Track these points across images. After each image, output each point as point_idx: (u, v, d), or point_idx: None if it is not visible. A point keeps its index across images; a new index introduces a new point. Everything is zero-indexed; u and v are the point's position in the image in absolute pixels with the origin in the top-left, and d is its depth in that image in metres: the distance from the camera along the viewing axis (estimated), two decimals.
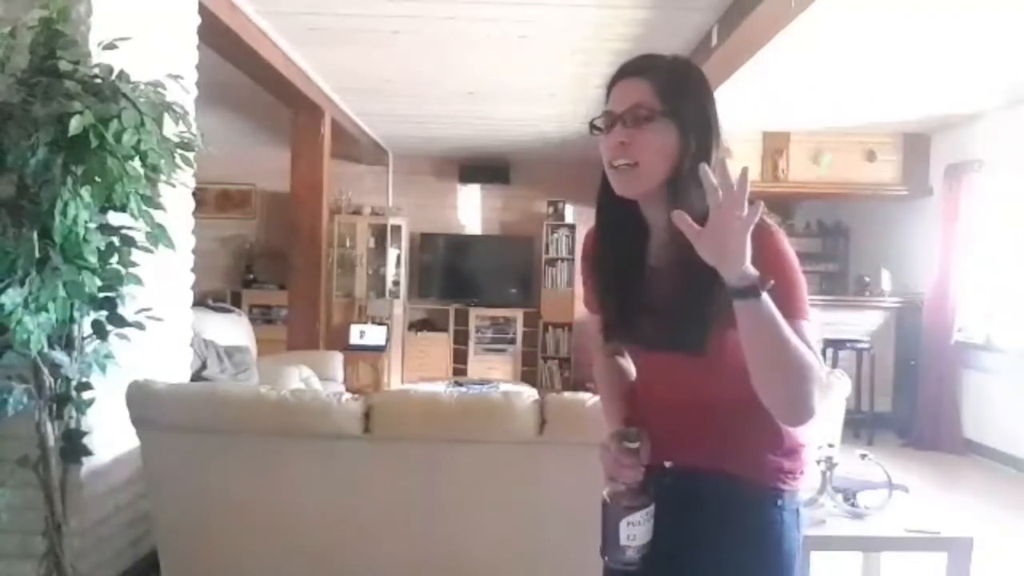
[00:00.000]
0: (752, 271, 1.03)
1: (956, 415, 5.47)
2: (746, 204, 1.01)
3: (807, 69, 4.44)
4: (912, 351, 5.96)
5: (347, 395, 2.29)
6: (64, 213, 1.95)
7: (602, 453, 1.25)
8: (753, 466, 1.21)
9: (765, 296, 1.03)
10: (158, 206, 2.21)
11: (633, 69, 1.21)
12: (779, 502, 1.22)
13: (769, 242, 1.13)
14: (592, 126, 1.24)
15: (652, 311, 1.20)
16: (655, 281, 1.21)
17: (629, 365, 1.41)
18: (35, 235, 1.97)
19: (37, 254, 1.96)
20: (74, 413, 2.22)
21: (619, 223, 1.26)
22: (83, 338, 2.21)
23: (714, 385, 1.22)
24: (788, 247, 1.17)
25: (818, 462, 2.26)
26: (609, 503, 1.21)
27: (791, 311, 1.10)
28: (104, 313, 2.20)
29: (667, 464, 1.25)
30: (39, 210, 1.96)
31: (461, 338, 7.67)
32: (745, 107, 5.30)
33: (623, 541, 1.19)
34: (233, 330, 4.22)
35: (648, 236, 1.25)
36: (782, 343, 1.05)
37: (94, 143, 1.95)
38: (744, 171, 1.01)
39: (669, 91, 1.17)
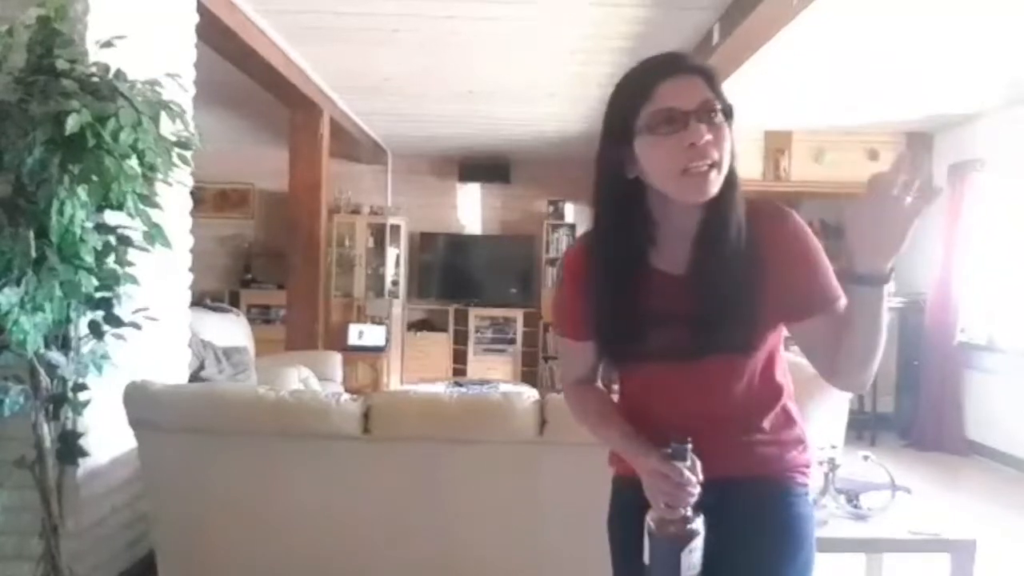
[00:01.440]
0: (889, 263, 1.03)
1: (959, 416, 5.46)
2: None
3: (809, 68, 4.43)
4: (914, 352, 5.94)
5: (346, 395, 2.28)
6: (61, 212, 1.94)
7: (651, 481, 1.12)
8: (779, 464, 1.21)
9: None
10: (155, 205, 2.19)
11: (683, 66, 1.13)
12: (804, 493, 1.23)
13: (801, 227, 1.17)
14: (647, 126, 1.10)
15: (679, 319, 1.13)
16: (669, 288, 1.15)
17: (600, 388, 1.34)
18: (31, 234, 1.96)
19: (34, 253, 1.95)
20: (70, 414, 2.21)
21: (631, 234, 1.17)
22: (80, 338, 2.20)
23: (749, 384, 1.20)
24: (807, 227, 1.19)
25: (821, 463, 2.25)
26: (657, 534, 1.10)
27: (838, 292, 1.14)
28: (101, 313, 2.19)
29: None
30: (36, 209, 1.95)
31: (461, 338, 7.65)
32: (747, 106, 5.28)
33: (684, 572, 1.09)
34: (231, 330, 4.20)
35: (654, 242, 1.18)
36: (883, 328, 1.07)
37: (91, 142, 1.94)
38: (909, 156, 1.00)
39: (719, 91, 1.13)
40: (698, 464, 1.11)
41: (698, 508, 1.11)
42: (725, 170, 1.11)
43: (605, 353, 1.26)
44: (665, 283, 1.17)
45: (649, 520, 1.12)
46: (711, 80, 1.12)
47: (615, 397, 1.33)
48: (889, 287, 1.06)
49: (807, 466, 1.25)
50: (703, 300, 1.13)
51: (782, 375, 1.25)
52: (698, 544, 1.10)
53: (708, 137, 1.08)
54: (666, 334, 1.15)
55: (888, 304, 1.07)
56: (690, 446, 1.11)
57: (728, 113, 1.12)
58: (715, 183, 1.10)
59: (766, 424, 1.22)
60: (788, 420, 1.24)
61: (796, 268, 1.14)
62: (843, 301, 1.12)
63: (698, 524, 1.11)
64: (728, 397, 1.20)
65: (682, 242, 1.16)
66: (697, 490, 1.10)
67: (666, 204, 1.15)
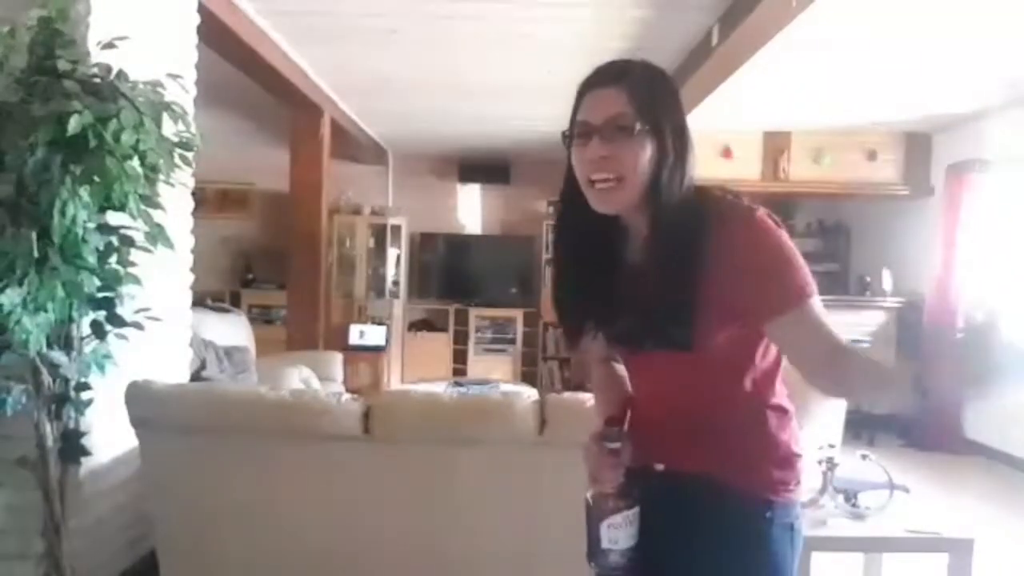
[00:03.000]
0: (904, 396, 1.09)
1: (957, 415, 5.46)
2: None
3: (808, 68, 4.44)
4: (913, 351, 5.95)
5: (347, 395, 2.28)
6: (63, 213, 1.95)
7: (585, 453, 1.23)
8: (743, 474, 1.18)
9: None
10: (157, 206, 2.20)
11: (607, 78, 1.16)
12: (768, 514, 1.18)
13: (759, 234, 1.12)
14: (564, 136, 1.19)
15: (633, 309, 1.18)
16: (636, 280, 1.19)
17: (623, 371, 1.37)
18: (34, 235, 1.96)
19: (36, 254, 1.96)
20: (73, 413, 2.21)
21: (588, 224, 1.21)
22: (82, 338, 2.20)
23: (704, 384, 1.20)
24: (771, 227, 1.13)
25: (819, 462, 2.26)
26: (591, 504, 1.19)
27: (797, 294, 1.10)
28: (103, 313, 2.20)
29: (658, 467, 1.23)
30: (38, 210, 1.96)
31: (461, 338, 7.66)
32: (746, 107, 5.29)
33: (604, 544, 1.17)
34: (232, 330, 4.21)
35: (624, 237, 1.22)
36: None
37: (93, 143, 1.95)
38: None
39: (646, 101, 1.13)
40: (627, 449, 1.20)
41: (630, 488, 1.18)
42: (635, 183, 1.13)
43: (574, 332, 1.29)
44: (631, 274, 1.21)
45: (587, 493, 1.21)
46: (635, 91, 1.13)
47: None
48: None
49: (785, 484, 1.20)
50: (644, 294, 1.16)
51: (756, 384, 1.20)
52: (621, 521, 1.17)
53: (602, 153, 1.12)
54: (624, 322, 1.20)
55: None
56: (621, 429, 1.23)
57: (647, 125, 1.12)
58: (616, 196, 1.14)
59: (737, 430, 1.20)
60: (765, 431, 1.20)
61: (745, 275, 1.11)
62: (796, 312, 1.10)
63: (625, 503, 1.17)
64: (682, 391, 1.22)
65: (640, 239, 1.20)
66: (618, 470, 1.18)
67: (622, 211, 1.19)
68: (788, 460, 1.22)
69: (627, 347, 1.26)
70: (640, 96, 1.13)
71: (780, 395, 1.24)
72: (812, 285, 1.12)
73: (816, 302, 1.11)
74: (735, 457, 1.19)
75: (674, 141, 1.14)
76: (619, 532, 1.17)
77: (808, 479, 2.27)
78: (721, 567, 1.19)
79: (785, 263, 1.11)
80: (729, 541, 1.18)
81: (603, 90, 1.15)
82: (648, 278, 1.15)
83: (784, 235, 1.14)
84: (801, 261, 1.13)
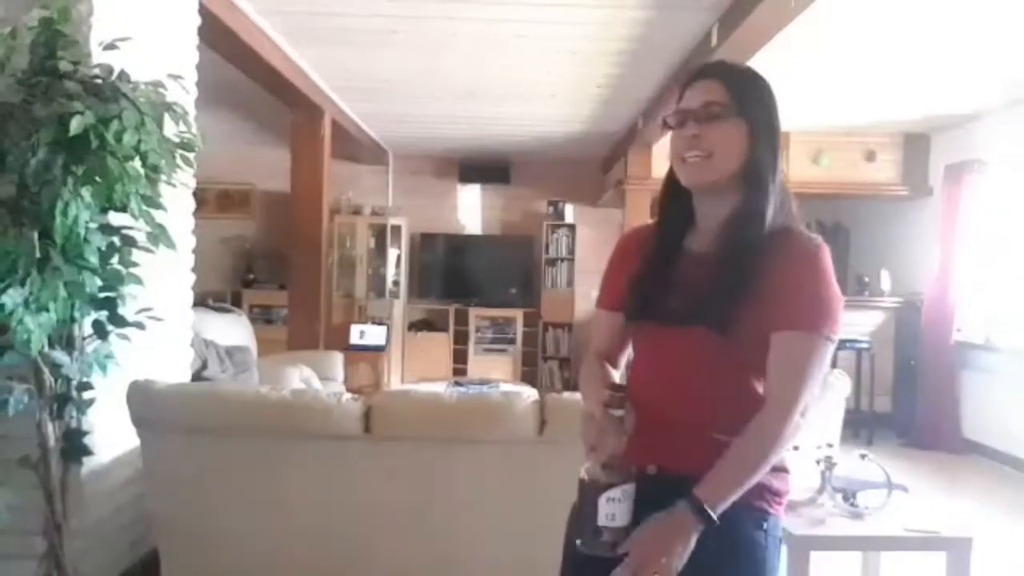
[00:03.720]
0: (704, 512, 1.12)
1: (955, 415, 5.47)
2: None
3: (807, 69, 4.44)
4: (912, 351, 5.96)
5: (347, 395, 2.29)
6: (65, 213, 1.95)
7: (584, 424, 1.24)
8: None
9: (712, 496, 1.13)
10: (158, 206, 2.21)
11: (707, 71, 1.28)
12: (764, 525, 1.21)
13: (817, 256, 1.21)
14: (664, 122, 1.31)
15: (682, 287, 1.24)
16: (694, 265, 1.26)
17: (615, 372, 1.39)
18: (36, 235, 1.97)
19: (38, 254, 1.96)
20: (74, 413, 2.22)
21: (672, 216, 1.33)
22: (84, 338, 2.21)
23: (723, 380, 1.22)
24: (829, 263, 1.22)
25: (818, 462, 2.27)
26: (587, 480, 1.15)
27: (809, 321, 1.18)
28: (105, 313, 2.20)
29: (650, 469, 1.22)
30: (40, 210, 1.96)
31: (461, 338, 7.66)
32: None
33: (601, 521, 1.13)
34: (233, 330, 4.22)
35: (693, 226, 1.31)
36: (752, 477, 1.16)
37: (94, 143, 1.95)
38: None
39: (740, 91, 1.25)
40: (630, 417, 1.19)
41: (628, 463, 1.17)
42: (723, 161, 1.23)
43: (624, 307, 1.33)
44: (694, 262, 1.27)
45: (581, 469, 1.18)
46: (729, 82, 1.25)
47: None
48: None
49: (779, 496, 1.24)
50: (709, 271, 1.22)
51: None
52: (619, 495, 1.13)
53: (694, 132, 1.23)
54: (669, 299, 1.25)
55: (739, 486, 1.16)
56: (622, 396, 1.19)
57: (738, 112, 1.23)
58: (705, 170, 1.24)
59: (730, 431, 1.19)
60: None
61: (790, 283, 1.18)
62: (803, 336, 1.17)
63: (623, 476, 1.15)
64: (697, 378, 1.24)
65: (714, 228, 1.28)
66: (620, 438, 1.17)
67: (700, 194, 1.29)
68: (783, 471, 1.25)
69: (661, 321, 1.26)
70: (733, 86, 1.25)
71: None
72: (832, 325, 1.19)
73: (823, 343, 1.18)
74: None
75: (764, 130, 1.25)
76: (617, 507, 1.13)
77: (807, 479, 2.29)
78: (713, 569, 1.17)
79: (821, 293, 1.20)
80: (726, 549, 1.17)
81: (702, 81, 1.27)
82: (711, 263, 1.23)
83: (834, 277, 1.22)
84: (838, 304, 1.21)
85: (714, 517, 1.12)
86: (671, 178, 1.32)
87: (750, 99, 1.25)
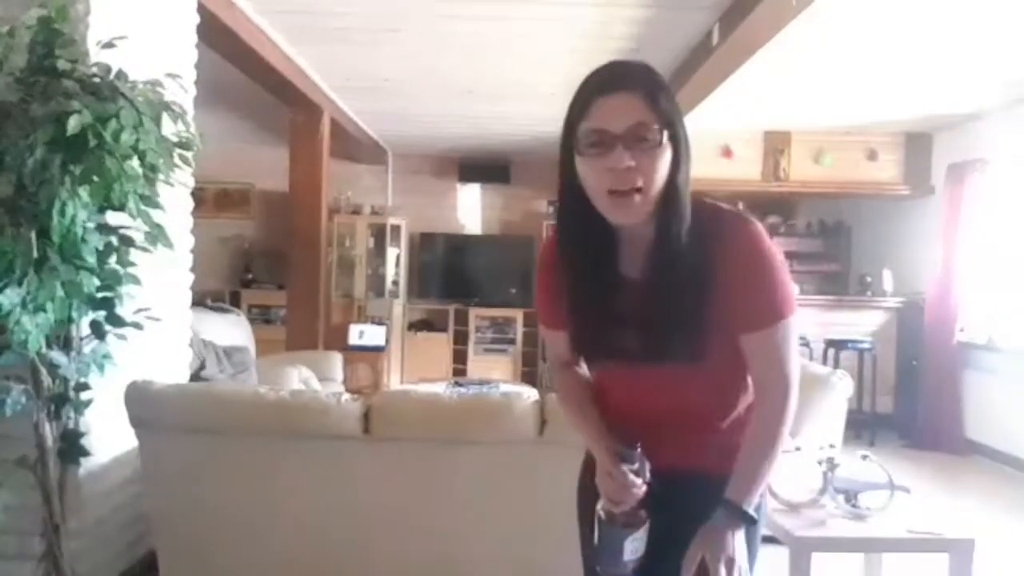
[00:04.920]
0: (743, 513, 1.14)
1: (958, 415, 5.46)
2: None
3: (808, 68, 4.43)
4: (914, 351, 5.95)
5: (346, 395, 2.29)
6: (62, 213, 1.95)
7: (601, 478, 1.21)
8: (730, 468, 1.20)
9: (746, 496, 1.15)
10: (156, 205, 2.20)
11: (619, 83, 1.11)
12: (755, 512, 1.22)
13: (755, 243, 1.15)
14: (566, 143, 1.14)
15: (635, 324, 1.16)
16: (631, 293, 1.18)
17: (586, 372, 1.36)
18: (33, 235, 1.96)
19: (35, 254, 1.96)
20: (72, 413, 2.21)
21: (589, 235, 1.18)
22: (81, 338, 2.20)
23: (701, 391, 1.22)
24: (765, 241, 1.15)
25: (819, 463, 2.26)
26: (608, 522, 1.20)
27: (772, 314, 1.15)
28: (102, 313, 2.19)
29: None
30: (37, 210, 1.96)
31: (461, 338, 7.65)
32: (746, 106, 5.29)
33: (627, 556, 1.19)
34: (232, 330, 4.21)
35: (616, 244, 1.19)
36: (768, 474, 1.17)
37: (92, 142, 1.95)
38: None
39: (664, 109, 1.10)
40: (647, 466, 1.20)
41: (645, 500, 1.19)
42: (653, 193, 1.10)
43: (574, 348, 1.28)
44: (628, 288, 1.19)
45: (599, 508, 1.21)
46: (652, 97, 1.09)
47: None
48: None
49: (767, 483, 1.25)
50: (652, 308, 1.15)
51: (749, 386, 1.24)
52: (641, 535, 1.20)
53: (630, 163, 1.07)
54: (624, 337, 1.18)
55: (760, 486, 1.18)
56: (639, 451, 1.19)
57: (671, 132, 1.10)
58: (639, 207, 1.10)
59: (724, 425, 1.24)
60: (744, 430, 1.23)
61: (738, 285, 1.13)
62: (767, 332, 1.15)
63: (643, 515, 1.19)
64: (683, 401, 1.22)
65: (641, 249, 1.17)
66: (642, 490, 1.18)
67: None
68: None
69: (624, 361, 1.20)
70: (658, 103, 1.09)
71: None
72: (792, 303, 1.16)
73: (791, 322, 1.16)
74: (728, 454, 1.21)
75: (686, 150, 1.13)
76: (639, 543, 1.20)
77: (809, 480, 2.28)
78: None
79: (771, 281, 1.15)
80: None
81: (619, 96, 1.09)
82: (652, 290, 1.15)
83: (775, 248, 1.16)
84: (786, 277, 1.17)
85: (754, 515, 1.16)
86: (576, 202, 1.15)
87: (674, 117, 1.11)
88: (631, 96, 1.09)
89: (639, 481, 1.18)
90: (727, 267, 1.13)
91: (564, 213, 1.20)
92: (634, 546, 1.19)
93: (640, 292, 1.17)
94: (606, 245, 1.19)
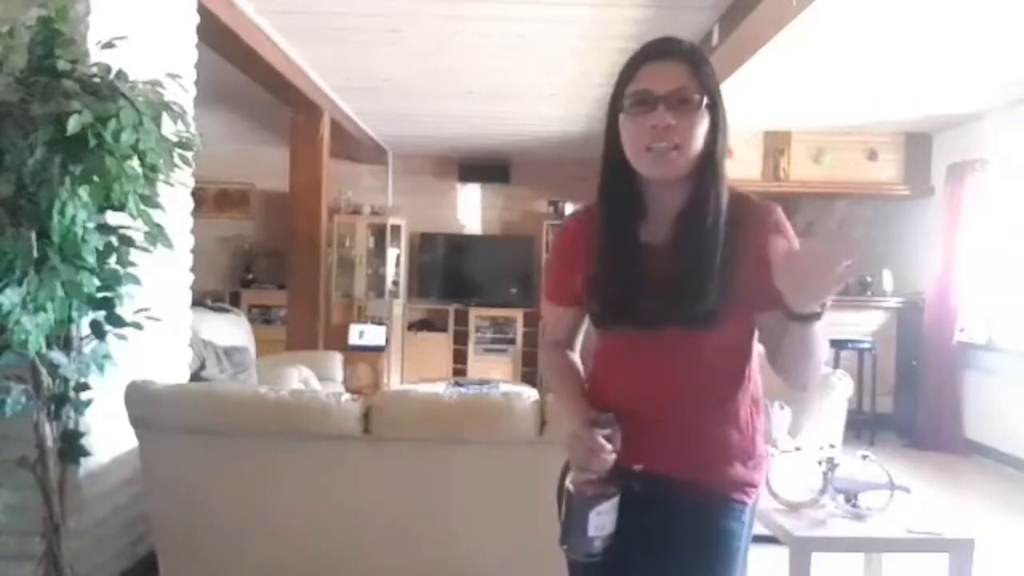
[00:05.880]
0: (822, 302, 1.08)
1: (958, 415, 5.46)
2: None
3: (808, 68, 4.44)
4: (914, 351, 5.95)
5: (347, 395, 2.28)
6: (62, 213, 1.94)
7: (571, 442, 1.23)
8: (726, 478, 1.22)
9: None
10: (156, 205, 2.20)
11: (669, 50, 1.19)
12: (743, 516, 1.23)
13: (783, 223, 1.21)
14: (614, 104, 1.21)
15: (655, 287, 1.19)
16: (651, 259, 1.21)
17: (578, 362, 1.38)
18: (33, 235, 1.96)
19: (35, 254, 1.95)
20: (72, 413, 2.21)
21: (624, 206, 1.24)
22: (81, 338, 2.20)
23: (707, 367, 1.22)
24: (789, 227, 1.22)
25: (819, 463, 2.26)
26: (575, 494, 1.19)
27: None
28: (102, 313, 2.19)
29: (636, 467, 1.23)
30: (37, 210, 1.95)
31: (461, 338, 7.65)
32: (746, 106, 5.29)
33: (591, 532, 1.17)
34: (232, 330, 4.21)
35: (644, 216, 1.24)
36: (820, 347, 1.13)
37: (92, 142, 1.94)
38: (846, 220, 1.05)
39: (705, 77, 1.18)
40: (617, 435, 1.19)
41: (614, 475, 1.18)
42: (691, 153, 1.17)
43: (593, 314, 1.29)
44: (649, 254, 1.22)
45: (568, 481, 1.21)
46: (696, 66, 1.18)
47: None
48: (821, 322, 1.12)
49: (752, 485, 1.24)
50: (673, 268, 1.18)
51: (753, 375, 1.26)
52: (607, 508, 1.17)
53: (671, 122, 1.14)
54: (644, 299, 1.21)
55: (821, 332, 1.13)
56: (609, 416, 1.20)
57: (711, 100, 1.17)
58: (675, 163, 1.16)
59: (716, 425, 1.23)
60: (744, 429, 1.24)
61: (764, 261, 1.13)
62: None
63: (611, 490, 1.18)
64: (682, 376, 1.22)
65: (667, 217, 1.22)
66: (611, 458, 1.18)
67: (651, 182, 1.21)
68: (761, 462, 1.26)
69: (638, 326, 1.22)
70: (700, 71, 1.18)
71: (759, 387, 1.29)
72: None
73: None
74: (720, 462, 1.21)
75: (723, 120, 1.20)
76: (605, 519, 1.18)
77: (809, 479, 2.28)
78: (695, 566, 1.21)
79: None
80: (705, 542, 1.21)
81: (665, 62, 1.18)
82: (677, 252, 1.19)
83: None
84: None
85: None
86: (615, 164, 1.22)
87: (714, 86, 1.19)
88: (676, 63, 1.18)
89: (608, 447, 1.17)
90: (758, 243, 1.13)
91: (606, 174, 1.25)
92: (599, 521, 1.17)
93: (662, 256, 1.20)
94: (637, 212, 1.24)
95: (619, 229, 1.23)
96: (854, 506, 2.19)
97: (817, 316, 1.09)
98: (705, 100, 1.17)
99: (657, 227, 1.22)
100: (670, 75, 1.16)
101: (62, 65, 2.04)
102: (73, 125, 1.89)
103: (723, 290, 1.15)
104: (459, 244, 7.89)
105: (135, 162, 2.08)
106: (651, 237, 1.23)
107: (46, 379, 2.12)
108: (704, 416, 1.23)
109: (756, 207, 1.22)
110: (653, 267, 1.20)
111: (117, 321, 2.21)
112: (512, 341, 7.66)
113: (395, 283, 7.64)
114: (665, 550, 1.21)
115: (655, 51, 1.19)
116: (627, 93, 1.19)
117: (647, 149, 1.16)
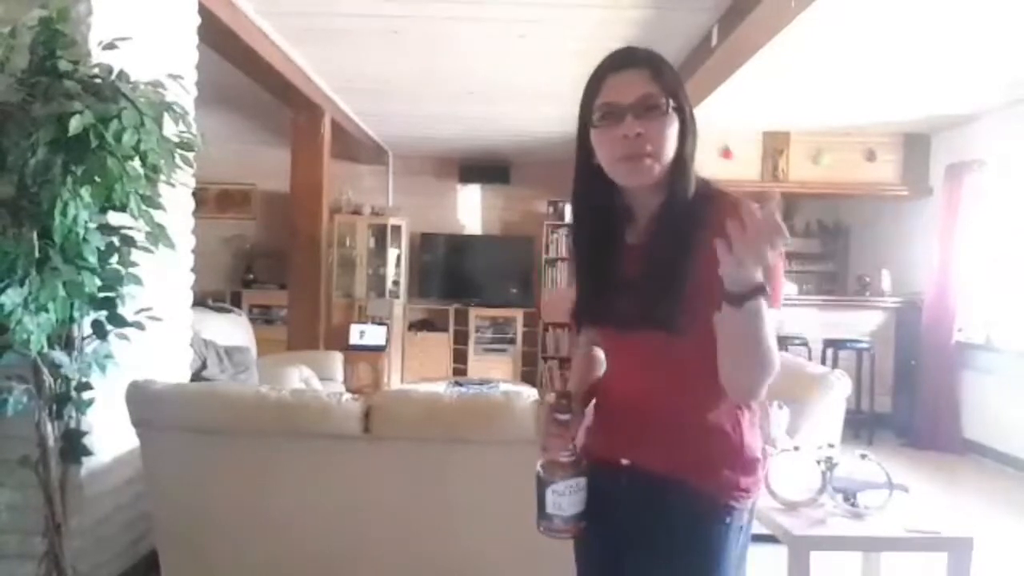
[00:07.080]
0: (757, 279, 1.04)
1: (956, 415, 5.47)
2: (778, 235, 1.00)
3: (807, 69, 4.44)
4: (912, 351, 5.96)
5: (347, 395, 2.29)
6: (64, 213, 1.95)
7: (536, 423, 1.27)
8: (711, 479, 1.20)
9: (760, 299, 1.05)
10: (158, 206, 2.21)
11: (629, 59, 1.21)
12: (728, 519, 1.21)
13: (736, 210, 1.13)
14: (582, 119, 1.23)
15: (629, 288, 1.21)
16: (631, 259, 1.23)
17: (602, 358, 1.39)
18: (35, 235, 1.97)
19: (37, 254, 1.96)
20: (74, 413, 2.22)
21: (599, 207, 1.27)
22: (83, 338, 2.21)
23: (688, 374, 1.20)
24: None
25: (818, 462, 2.27)
26: (540, 472, 1.24)
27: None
28: (104, 313, 2.20)
29: (624, 461, 1.25)
30: (39, 210, 1.96)
31: (461, 338, 7.66)
32: (745, 107, 5.30)
33: (549, 509, 1.22)
34: (233, 330, 4.22)
35: (631, 218, 1.27)
36: (763, 340, 1.08)
37: (94, 143, 1.95)
38: (778, 199, 1.03)
39: (669, 81, 1.19)
40: (576, 421, 1.26)
41: (578, 460, 1.23)
42: (665, 158, 1.19)
43: (576, 317, 1.33)
44: (630, 254, 1.25)
45: (538, 461, 1.27)
46: (657, 72, 1.19)
47: None
48: (750, 307, 1.05)
49: (741, 488, 1.21)
50: (645, 269, 1.20)
51: None
52: (564, 489, 1.22)
53: (639, 130, 1.16)
54: (617, 300, 1.23)
55: (762, 331, 1.07)
56: (571, 402, 1.26)
57: (676, 104, 1.19)
58: (651, 171, 1.18)
59: (701, 425, 1.21)
60: (730, 432, 1.22)
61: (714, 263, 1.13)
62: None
63: (569, 472, 1.22)
64: (662, 378, 1.23)
65: (646, 219, 1.25)
66: (567, 442, 1.23)
67: (633, 191, 1.24)
68: (753, 465, 1.23)
69: (615, 326, 1.26)
70: (664, 76, 1.19)
71: None
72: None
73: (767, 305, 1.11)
74: (706, 463, 1.21)
75: (691, 121, 1.22)
76: (563, 499, 1.21)
77: (808, 479, 2.29)
78: (675, 567, 1.21)
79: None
80: (687, 543, 1.21)
81: (626, 72, 1.20)
82: (647, 257, 1.20)
83: None
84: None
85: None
86: (591, 173, 1.23)
87: (678, 89, 1.20)
88: (638, 72, 1.19)
89: (562, 431, 1.23)
90: (716, 236, 1.10)
91: (579, 186, 1.28)
92: (556, 500, 1.21)
93: (635, 257, 1.23)
94: (616, 217, 1.26)
95: (593, 235, 1.28)
96: (853, 505, 2.20)
97: (749, 296, 1.04)
98: (671, 103, 1.18)
99: (640, 228, 1.26)
100: (633, 84, 1.18)
101: (64, 66, 2.04)
102: (75, 126, 1.90)
103: (684, 290, 1.15)
104: (459, 244, 7.89)
105: (136, 162, 2.09)
106: (635, 238, 1.26)
107: (48, 379, 2.13)
108: (686, 416, 1.22)
109: (719, 206, 1.16)
110: (633, 268, 1.22)
111: (119, 321, 2.22)
112: (512, 341, 7.67)
113: (395, 283, 7.64)
114: (652, 548, 1.22)
115: (616, 63, 1.22)
116: (594, 107, 1.21)
117: (621, 160, 1.19)
